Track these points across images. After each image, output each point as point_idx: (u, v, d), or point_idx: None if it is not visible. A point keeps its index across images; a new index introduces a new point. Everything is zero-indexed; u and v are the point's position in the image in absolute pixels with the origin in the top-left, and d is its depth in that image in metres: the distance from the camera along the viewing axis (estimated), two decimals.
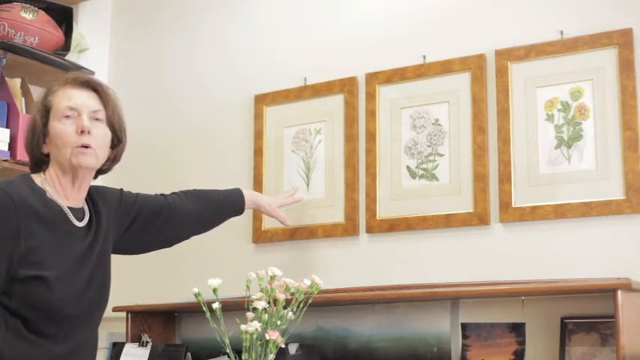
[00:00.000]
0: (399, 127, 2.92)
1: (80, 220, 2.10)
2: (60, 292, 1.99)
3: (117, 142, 2.17)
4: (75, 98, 2.09)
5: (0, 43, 3.13)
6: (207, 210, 2.53)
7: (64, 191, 2.09)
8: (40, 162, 2.12)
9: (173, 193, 2.49)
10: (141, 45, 3.67)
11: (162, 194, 2.46)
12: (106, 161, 2.17)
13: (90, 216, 2.15)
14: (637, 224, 2.50)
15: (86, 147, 2.07)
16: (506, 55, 2.75)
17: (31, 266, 1.95)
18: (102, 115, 2.12)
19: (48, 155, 2.11)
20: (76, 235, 2.08)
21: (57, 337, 2.00)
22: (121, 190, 2.35)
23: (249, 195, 2.72)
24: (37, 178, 2.08)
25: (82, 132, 2.06)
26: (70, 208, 2.09)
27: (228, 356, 2.18)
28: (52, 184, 2.08)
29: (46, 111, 2.09)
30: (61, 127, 2.06)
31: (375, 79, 2.98)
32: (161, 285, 3.27)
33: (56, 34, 3.33)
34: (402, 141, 2.91)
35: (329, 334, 2.86)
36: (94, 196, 2.19)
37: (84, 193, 2.15)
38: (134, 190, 2.42)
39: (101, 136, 2.11)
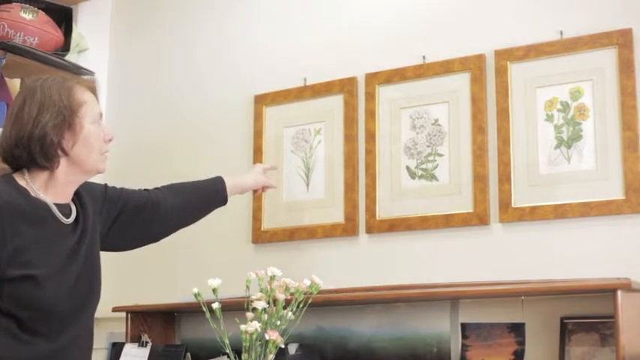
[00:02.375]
0: (399, 127, 2.92)
1: (67, 216, 2.09)
2: (50, 290, 1.98)
3: None
4: (99, 106, 2.17)
5: (0, 44, 3.13)
6: (190, 202, 2.51)
7: (56, 188, 2.08)
8: (41, 157, 2.04)
9: (156, 188, 2.47)
10: (141, 45, 3.67)
11: (145, 189, 2.45)
12: None
13: (77, 211, 2.14)
14: (637, 224, 2.50)
15: (105, 153, 2.17)
16: (506, 56, 2.75)
17: (20, 266, 1.95)
18: None
19: (61, 152, 2.06)
20: (64, 231, 2.07)
21: (50, 335, 1.99)
22: (106, 185, 2.35)
23: (232, 181, 2.65)
24: (20, 178, 2.06)
25: (110, 140, 2.17)
26: (57, 204, 2.08)
27: (228, 356, 2.18)
28: (40, 181, 2.06)
29: (75, 108, 2.07)
30: (97, 132, 2.12)
31: (375, 79, 2.98)
32: (161, 285, 3.27)
33: (56, 35, 3.33)
34: (401, 141, 2.91)
35: (329, 334, 2.86)
36: (79, 191, 2.19)
37: (74, 190, 2.16)
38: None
39: None
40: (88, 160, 2.10)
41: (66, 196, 2.12)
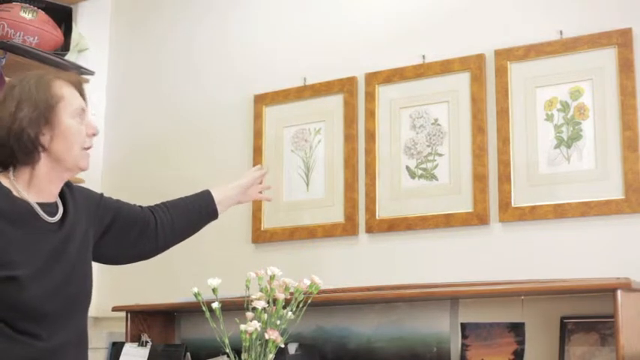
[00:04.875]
0: (399, 127, 2.92)
1: (52, 214, 2.07)
2: (33, 290, 1.97)
3: None
4: (81, 100, 2.11)
5: (0, 43, 3.14)
6: (179, 219, 2.44)
7: (39, 186, 2.06)
8: (20, 152, 2.02)
9: (148, 206, 2.42)
10: (141, 45, 3.67)
11: (139, 206, 2.40)
12: None
13: (64, 210, 2.12)
14: (637, 224, 2.50)
15: (88, 149, 2.11)
16: (506, 55, 2.75)
17: (1, 267, 1.94)
18: None
19: (40, 147, 2.03)
20: (49, 229, 2.05)
21: (40, 335, 1.98)
22: (102, 194, 2.33)
23: (220, 193, 2.56)
24: (4, 178, 2.05)
25: (94, 135, 2.11)
26: (40, 203, 2.05)
27: (228, 356, 2.18)
28: (23, 180, 2.05)
29: (53, 102, 2.04)
30: (76, 126, 2.07)
31: (375, 79, 2.98)
32: (161, 285, 3.27)
33: (55, 34, 3.33)
34: (401, 141, 2.91)
35: (329, 334, 2.86)
36: (73, 191, 2.18)
37: (59, 188, 2.13)
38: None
39: None
40: (68, 156, 2.06)
41: (50, 195, 2.09)
